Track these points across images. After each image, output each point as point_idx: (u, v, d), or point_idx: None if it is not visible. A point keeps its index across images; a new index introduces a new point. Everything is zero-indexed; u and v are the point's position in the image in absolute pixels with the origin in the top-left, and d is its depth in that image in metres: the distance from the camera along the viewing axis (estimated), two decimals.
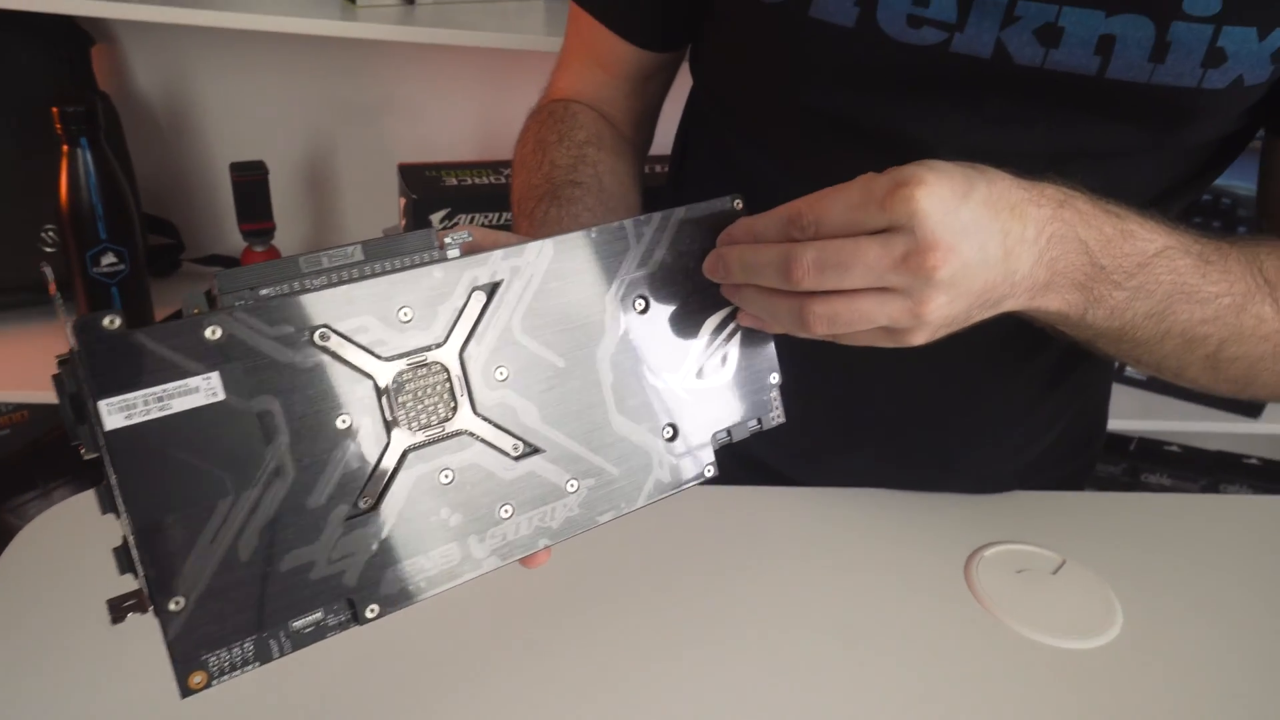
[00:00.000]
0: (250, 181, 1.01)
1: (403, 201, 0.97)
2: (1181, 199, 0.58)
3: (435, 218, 0.93)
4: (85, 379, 0.28)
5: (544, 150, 0.60)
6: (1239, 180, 1.10)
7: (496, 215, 0.98)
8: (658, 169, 1.01)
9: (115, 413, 0.28)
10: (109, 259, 0.96)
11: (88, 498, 0.56)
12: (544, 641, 0.51)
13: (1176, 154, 0.54)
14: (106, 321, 0.28)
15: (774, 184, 0.47)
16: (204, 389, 0.29)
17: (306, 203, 1.21)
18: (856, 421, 0.66)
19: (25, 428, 1.14)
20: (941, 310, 0.38)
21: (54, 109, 0.88)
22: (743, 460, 0.67)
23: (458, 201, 0.93)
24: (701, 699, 0.49)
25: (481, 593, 0.51)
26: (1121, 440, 1.39)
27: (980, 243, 0.38)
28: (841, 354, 0.45)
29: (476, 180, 0.99)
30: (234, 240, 1.06)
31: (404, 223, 0.98)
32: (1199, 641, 0.56)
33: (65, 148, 0.91)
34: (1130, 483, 1.39)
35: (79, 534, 0.54)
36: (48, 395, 0.98)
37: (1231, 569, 0.63)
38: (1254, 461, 1.39)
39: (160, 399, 0.29)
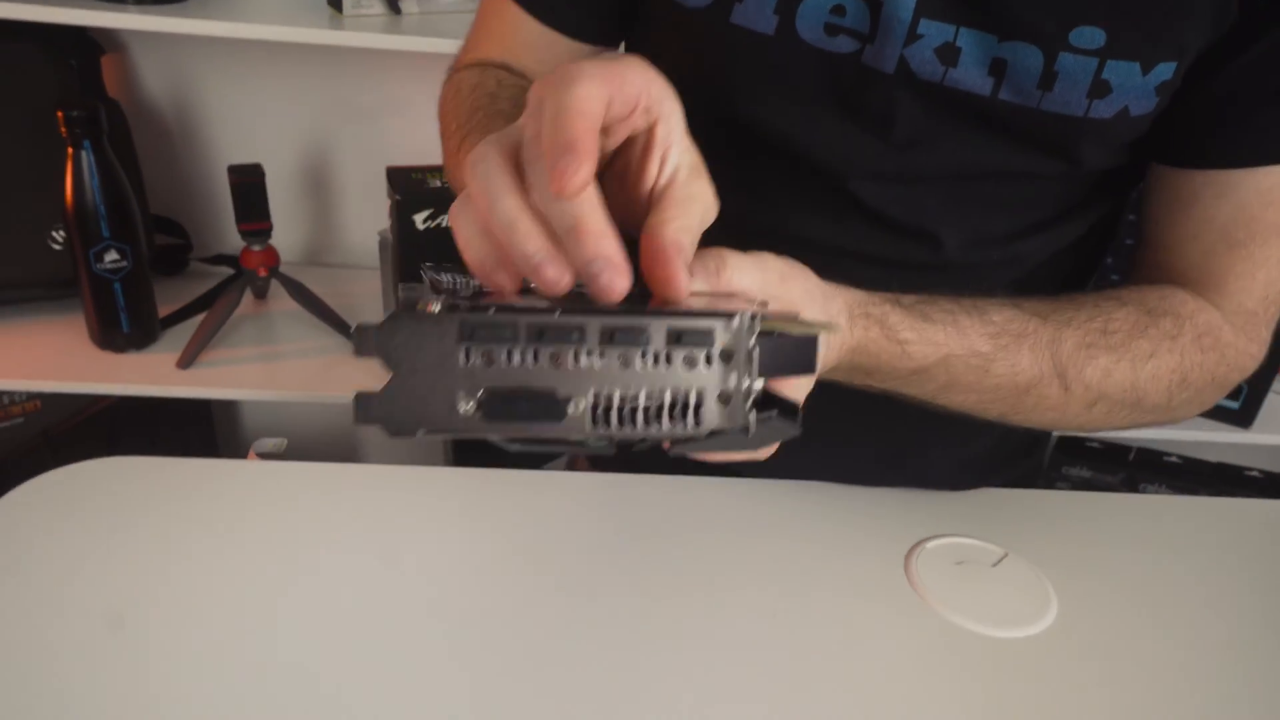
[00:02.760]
0: (248, 183, 1.05)
1: (389, 202, 1.01)
2: (1086, 219, 0.60)
3: (419, 218, 0.96)
4: None
5: (464, 95, 0.58)
6: None
7: None
8: None
9: None
10: (112, 256, 1.00)
11: (62, 473, 0.59)
12: (478, 635, 0.53)
13: (1077, 178, 0.56)
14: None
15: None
16: None
17: (303, 203, 1.25)
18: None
19: (38, 416, 1.19)
20: None
21: (59, 113, 0.93)
22: None
23: (441, 202, 0.96)
24: (629, 686, 0.50)
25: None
26: (1120, 450, 1.38)
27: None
28: None
29: None
30: (237, 240, 1.10)
31: (391, 223, 1.01)
32: (1132, 633, 0.57)
33: (70, 150, 0.95)
34: (1129, 493, 1.38)
35: (57, 507, 0.57)
36: (59, 384, 1.03)
37: (1171, 565, 0.63)
38: (1255, 474, 1.37)
39: None
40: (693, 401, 0.31)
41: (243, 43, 0.93)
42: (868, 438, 0.67)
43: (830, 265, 0.45)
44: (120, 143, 1.08)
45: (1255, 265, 0.54)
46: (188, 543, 0.56)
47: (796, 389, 0.40)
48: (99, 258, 1.00)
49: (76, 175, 0.96)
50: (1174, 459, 1.38)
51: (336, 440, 1.39)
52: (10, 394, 1.14)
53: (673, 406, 0.31)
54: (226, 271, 1.14)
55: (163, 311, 1.10)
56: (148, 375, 1.04)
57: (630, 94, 0.34)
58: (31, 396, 1.17)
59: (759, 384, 0.32)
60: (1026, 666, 0.54)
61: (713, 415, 0.31)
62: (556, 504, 0.63)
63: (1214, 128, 0.52)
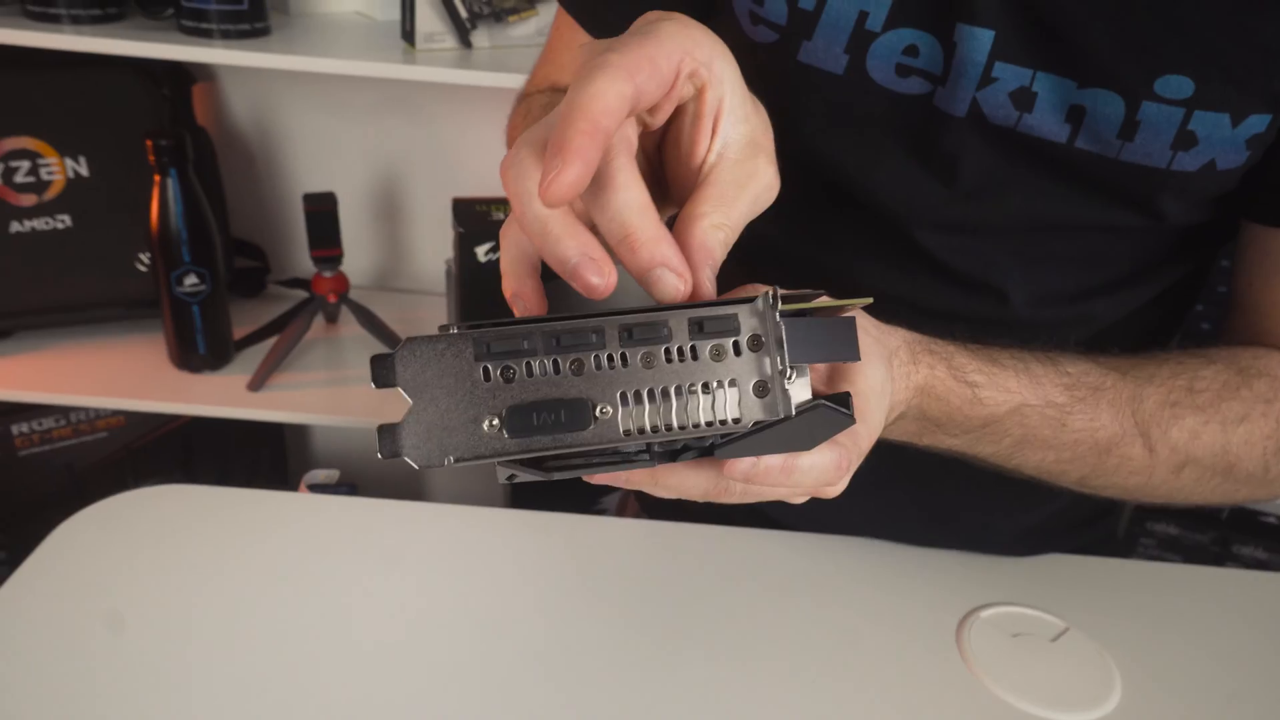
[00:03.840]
0: (320, 211, 1.08)
1: (454, 234, 1.02)
2: (1168, 278, 0.56)
3: (481, 250, 0.97)
4: None
5: (534, 116, 0.58)
6: None
7: None
8: None
9: None
10: (191, 280, 1.04)
11: (117, 501, 0.61)
12: (541, 679, 0.52)
13: (1154, 233, 0.53)
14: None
15: (762, 233, 0.48)
16: None
17: (375, 229, 1.28)
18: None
19: (121, 431, 1.23)
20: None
21: (148, 141, 0.97)
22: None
23: None
24: None
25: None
26: (1212, 509, 1.30)
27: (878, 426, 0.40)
28: None
29: None
30: (311, 263, 1.13)
31: (454, 254, 1.03)
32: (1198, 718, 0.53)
33: (156, 177, 0.99)
34: (1220, 553, 1.30)
35: (115, 534, 0.59)
36: (138, 403, 1.07)
37: (1240, 646, 0.59)
38: None
39: None
40: (727, 393, 0.29)
41: (321, 76, 0.96)
42: (923, 494, 0.65)
43: (891, 316, 0.44)
44: (206, 168, 1.13)
45: None
46: (225, 572, 0.57)
47: (868, 417, 0.38)
48: (179, 281, 1.04)
49: (162, 201, 1.00)
50: (1271, 519, 1.29)
51: (399, 466, 1.40)
52: (96, 410, 1.19)
53: (706, 400, 0.29)
54: (301, 295, 1.17)
55: (239, 333, 1.14)
56: (220, 396, 1.07)
57: (664, 69, 0.32)
58: (116, 413, 1.22)
59: (799, 375, 0.30)
60: None
61: (752, 406, 0.29)
62: (595, 549, 0.62)
63: None
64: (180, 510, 0.62)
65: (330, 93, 1.17)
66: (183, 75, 1.12)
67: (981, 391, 0.46)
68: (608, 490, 1.05)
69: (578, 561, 0.61)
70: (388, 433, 0.29)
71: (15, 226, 1.06)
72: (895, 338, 0.43)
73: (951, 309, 0.55)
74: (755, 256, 0.48)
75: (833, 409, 0.30)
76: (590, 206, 0.32)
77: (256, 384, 1.08)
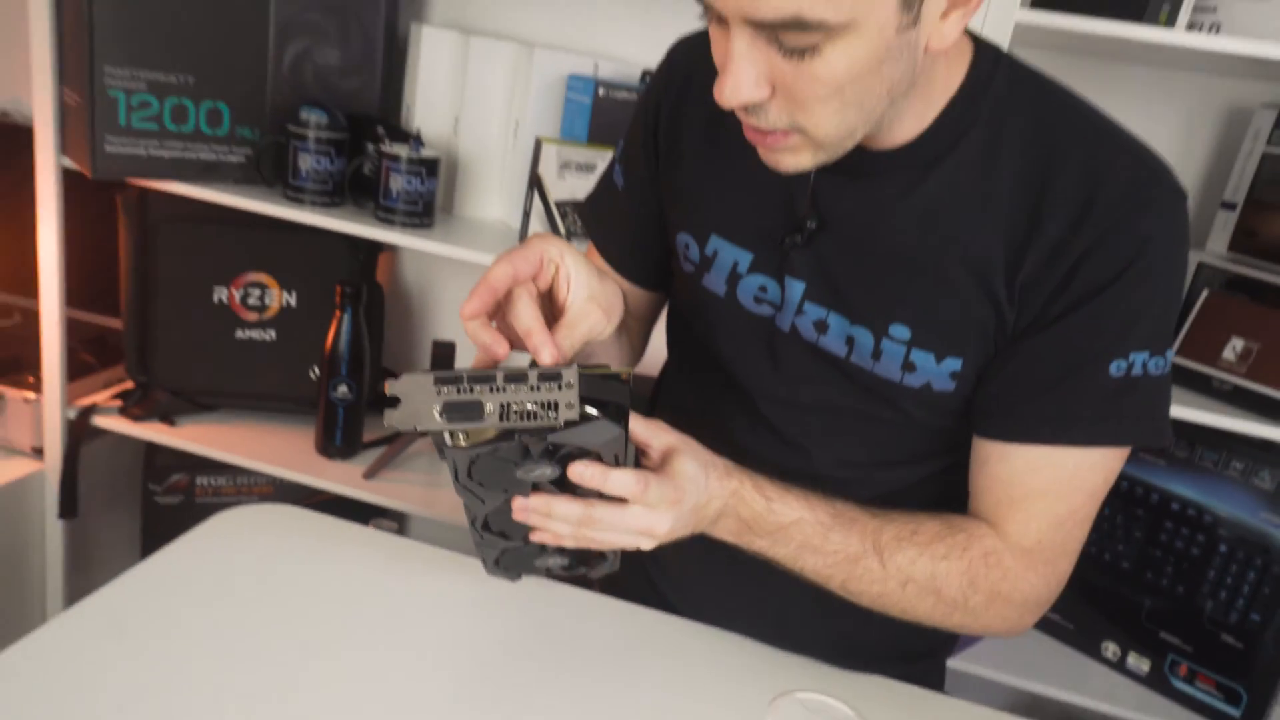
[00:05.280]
0: (441, 354, 1.45)
1: None
2: (933, 463, 0.80)
3: None
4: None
5: None
6: (1218, 501, 1.20)
7: None
8: None
9: None
10: (343, 389, 1.42)
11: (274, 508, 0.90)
12: None
13: (915, 427, 0.77)
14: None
15: (681, 393, 0.80)
16: None
17: None
18: (711, 566, 0.87)
19: (270, 498, 1.60)
20: (671, 534, 0.67)
21: (337, 287, 1.38)
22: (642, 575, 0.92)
23: None
24: None
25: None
26: None
27: (691, 517, 0.68)
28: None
29: None
30: None
31: None
32: None
33: (338, 313, 1.39)
34: None
35: (263, 532, 0.91)
36: (287, 472, 1.42)
37: None
38: None
39: None
40: (560, 407, 0.58)
41: (465, 261, 1.33)
42: (795, 602, 0.83)
43: (741, 458, 0.72)
44: (374, 312, 1.53)
45: (1029, 516, 0.73)
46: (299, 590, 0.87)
47: (684, 493, 0.66)
48: (334, 388, 1.42)
49: (337, 331, 1.40)
50: None
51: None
52: (255, 474, 1.57)
53: (543, 406, 0.58)
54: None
55: (368, 436, 1.50)
56: (343, 479, 1.42)
57: (531, 257, 0.66)
58: (270, 481, 1.60)
59: (602, 413, 0.59)
60: None
61: (566, 413, 0.58)
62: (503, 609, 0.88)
63: (997, 409, 0.72)
64: (280, 525, 0.94)
65: (470, 273, 1.57)
66: (373, 245, 1.54)
67: (774, 504, 0.71)
68: None
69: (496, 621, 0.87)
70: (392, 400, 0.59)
71: (239, 334, 1.49)
72: (719, 458, 0.71)
73: (780, 461, 0.78)
74: (675, 403, 0.80)
75: (599, 418, 0.59)
76: (509, 317, 0.65)
77: (370, 474, 1.43)
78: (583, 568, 0.77)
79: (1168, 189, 0.67)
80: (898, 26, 0.58)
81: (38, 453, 1.48)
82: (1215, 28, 1.07)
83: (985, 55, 0.70)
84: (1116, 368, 0.68)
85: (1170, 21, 1.00)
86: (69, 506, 1.47)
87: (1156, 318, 0.69)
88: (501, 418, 0.58)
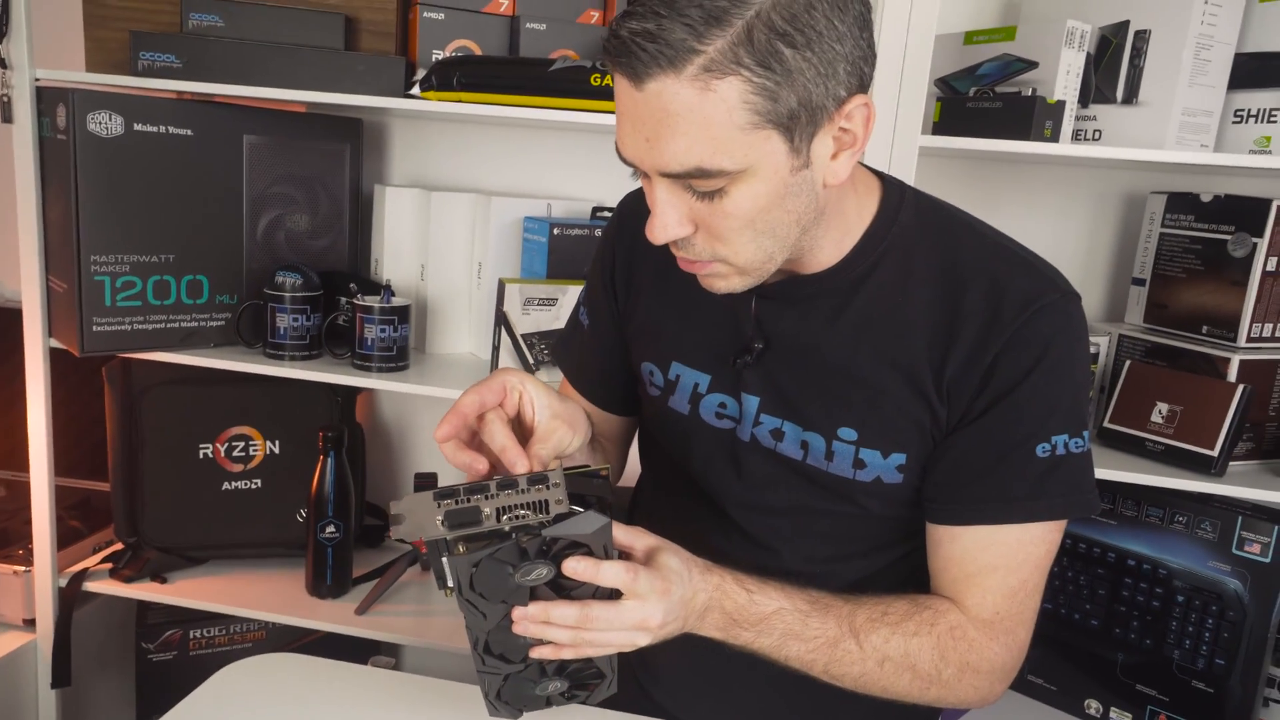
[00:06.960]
0: (423, 487, 1.49)
1: None
2: (892, 553, 0.87)
3: None
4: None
5: None
6: (1169, 554, 1.28)
7: None
8: None
9: None
10: (330, 529, 1.47)
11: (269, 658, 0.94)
12: None
13: (873, 521, 0.85)
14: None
15: (659, 502, 0.87)
16: None
17: None
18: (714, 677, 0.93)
19: (263, 643, 1.62)
20: (664, 628, 0.72)
21: (320, 432, 1.44)
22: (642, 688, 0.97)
23: None
24: None
25: None
26: None
27: (680, 610, 0.73)
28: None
29: None
30: None
31: None
32: None
33: (321, 458, 1.45)
34: None
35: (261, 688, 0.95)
36: (279, 616, 1.45)
37: None
38: None
39: None
40: (550, 504, 0.65)
41: (438, 397, 1.40)
42: (779, 700, 0.90)
43: (714, 557, 0.77)
44: (356, 452, 1.59)
45: (984, 590, 0.80)
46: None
47: (671, 585, 0.71)
48: (322, 529, 1.46)
49: (321, 474, 1.45)
50: None
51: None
52: (248, 622, 1.59)
53: (534, 506, 0.65)
54: (406, 548, 1.57)
55: (357, 572, 1.53)
56: (336, 618, 1.45)
57: (495, 387, 0.74)
58: (261, 626, 1.62)
59: (589, 508, 0.66)
60: None
61: (555, 508, 0.65)
62: None
63: (941, 496, 0.81)
64: (282, 674, 0.98)
65: (445, 408, 1.63)
66: (350, 390, 1.61)
67: (755, 595, 0.77)
68: None
69: None
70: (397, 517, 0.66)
71: (226, 486, 1.53)
72: (699, 561, 0.76)
73: (749, 559, 0.84)
74: (650, 512, 0.88)
75: (587, 510, 0.66)
76: (483, 438, 0.72)
77: (361, 610, 1.46)
78: (582, 692, 0.81)
79: (1060, 294, 0.77)
80: (791, 168, 0.69)
81: (29, 624, 1.50)
82: (1097, 134, 1.21)
83: (892, 189, 0.81)
84: (1042, 449, 0.77)
85: (1054, 136, 1.12)
86: (62, 676, 1.48)
87: (1070, 403, 0.78)
88: (498, 519, 0.65)
